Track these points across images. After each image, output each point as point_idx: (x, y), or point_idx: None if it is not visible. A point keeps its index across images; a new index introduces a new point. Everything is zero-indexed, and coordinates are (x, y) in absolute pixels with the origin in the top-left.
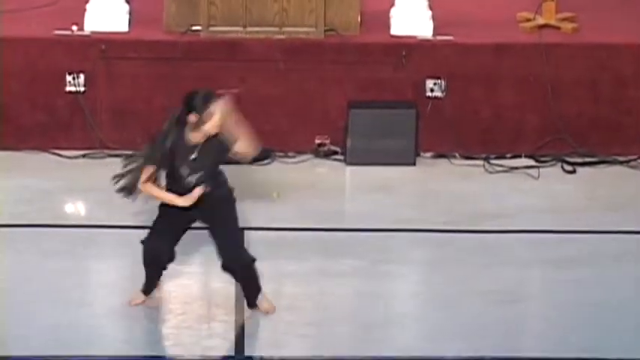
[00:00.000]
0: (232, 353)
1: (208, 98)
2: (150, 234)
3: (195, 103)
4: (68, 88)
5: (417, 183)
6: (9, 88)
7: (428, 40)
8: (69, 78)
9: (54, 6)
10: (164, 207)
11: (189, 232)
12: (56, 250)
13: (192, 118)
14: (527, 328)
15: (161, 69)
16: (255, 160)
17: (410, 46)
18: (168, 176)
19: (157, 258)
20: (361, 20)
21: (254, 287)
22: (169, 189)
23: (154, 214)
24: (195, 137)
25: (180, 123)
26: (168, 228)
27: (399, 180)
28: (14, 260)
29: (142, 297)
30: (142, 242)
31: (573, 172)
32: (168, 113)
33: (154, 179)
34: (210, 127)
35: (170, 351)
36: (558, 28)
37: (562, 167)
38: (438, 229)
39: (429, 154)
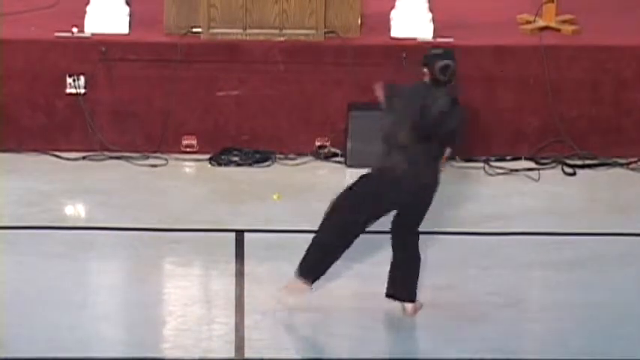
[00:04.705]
0: (233, 355)
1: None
2: None
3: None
4: (68, 90)
5: None
6: (9, 90)
7: (428, 42)
8: (69, 80)
9: (54, 8)
10: None
11: (188, 234)
12: (56, 252)
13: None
14: (527, 330)
15: (161, 71)
16: None
17: (410, 48)
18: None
19: None
20: (361, 22)
21: None
22: None
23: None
24: None
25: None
26: None
27: None
28: (14, 262)
29: None
30: None
31: (573, 174)
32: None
33: None
34: None
35: (170, 353)
36: (558, 30)
37: (562, 169)
38: (438, 231)
39: None
